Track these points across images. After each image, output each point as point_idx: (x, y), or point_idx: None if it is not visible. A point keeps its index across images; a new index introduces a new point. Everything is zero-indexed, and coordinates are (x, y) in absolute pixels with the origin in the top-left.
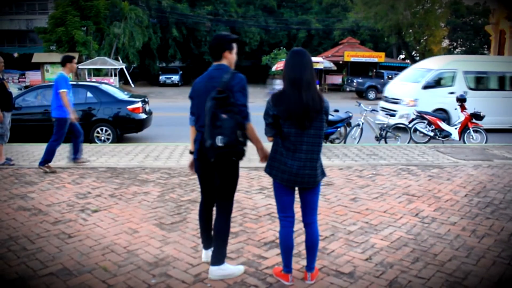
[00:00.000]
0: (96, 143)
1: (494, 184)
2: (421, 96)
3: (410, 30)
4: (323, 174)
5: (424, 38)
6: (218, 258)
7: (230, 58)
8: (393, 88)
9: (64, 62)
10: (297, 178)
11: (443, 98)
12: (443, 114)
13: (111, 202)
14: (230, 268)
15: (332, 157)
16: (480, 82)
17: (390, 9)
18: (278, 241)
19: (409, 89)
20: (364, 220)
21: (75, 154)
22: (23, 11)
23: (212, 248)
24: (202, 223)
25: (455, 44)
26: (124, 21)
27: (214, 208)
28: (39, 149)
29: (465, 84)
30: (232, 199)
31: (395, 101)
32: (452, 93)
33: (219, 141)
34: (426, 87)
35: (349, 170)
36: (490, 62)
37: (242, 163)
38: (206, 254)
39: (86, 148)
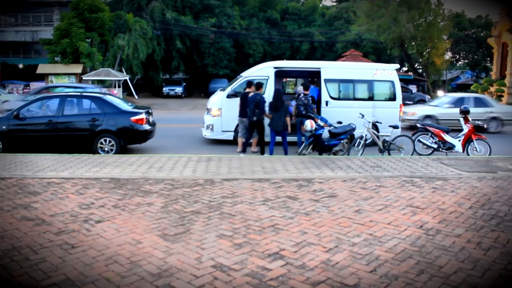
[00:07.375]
0: (100, 153)
1: (498, 196)
2: (225, 105)
3: (413, 43)
4: (286, 128)
5: (427, 51)
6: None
7: (260, 91)
8: (212, 97)
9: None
10: (276, 127)
11: None
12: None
13: (115, 213)
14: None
15: (335, 169)
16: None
17: (393, 22)
18: (282, 253)
19: (217, 98)
20: (368, 232)
21: None
22: (28, 22)
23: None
24: (246, 140)
25: (457, 56)
26: (128, 33)
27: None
28: (43, 159)
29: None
30: (262, 136)
31: (208, 110)
32: None
33: (255, 118)
34: (230, 95)
35: (352, 182)
36: (305, 68)
37: (246, 175)
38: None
39: (90, 158)
